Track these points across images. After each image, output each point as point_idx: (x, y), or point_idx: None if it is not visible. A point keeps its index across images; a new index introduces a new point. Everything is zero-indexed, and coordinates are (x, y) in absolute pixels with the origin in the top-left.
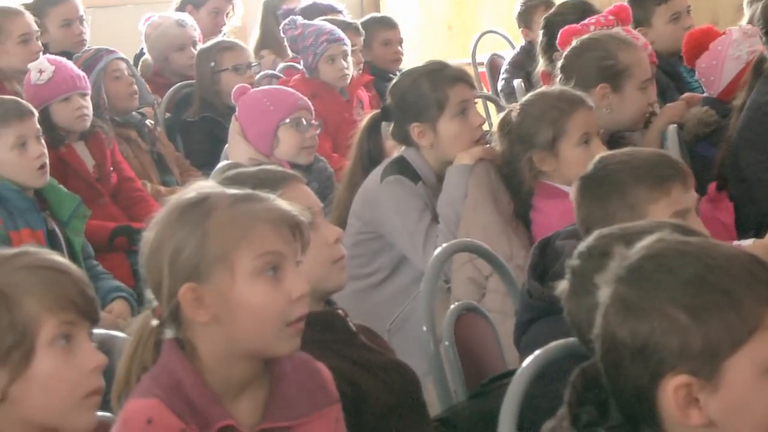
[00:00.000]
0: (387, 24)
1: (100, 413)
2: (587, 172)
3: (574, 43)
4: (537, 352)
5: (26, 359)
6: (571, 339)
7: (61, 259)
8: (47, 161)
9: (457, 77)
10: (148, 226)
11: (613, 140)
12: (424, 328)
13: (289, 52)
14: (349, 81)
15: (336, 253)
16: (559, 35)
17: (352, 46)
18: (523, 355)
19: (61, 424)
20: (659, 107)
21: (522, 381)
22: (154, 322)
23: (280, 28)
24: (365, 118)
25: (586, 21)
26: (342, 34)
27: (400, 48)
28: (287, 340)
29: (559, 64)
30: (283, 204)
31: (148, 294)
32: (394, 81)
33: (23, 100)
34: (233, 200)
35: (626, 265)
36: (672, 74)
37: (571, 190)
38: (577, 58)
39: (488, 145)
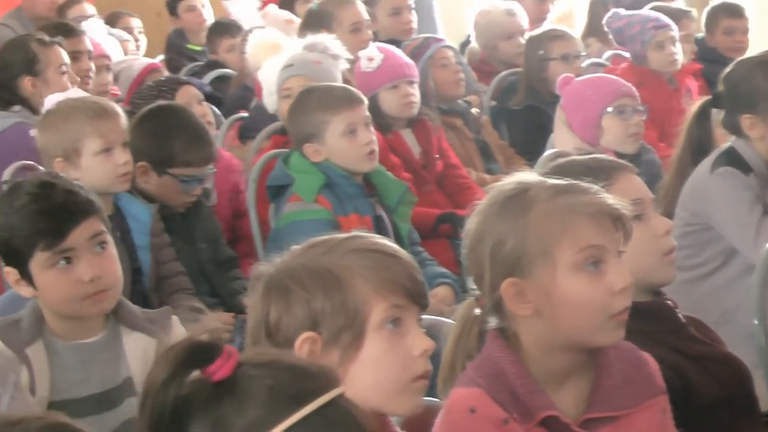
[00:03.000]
0: (733, 12)
1: (427, 398)
2: None
3: None
4: None
5: (356, 341)
6: None
7: (390, 243)
8: (376, 148)
9: None
10: (470, 216)
11: None
12: (755, 321)
13: (614, 43)
14: (678, 67)
15: (666, 245)
16: None
17: (682, 32)
18: None
19: (389, 407)
20: None
21: None
22: (477, 311)
23: (604, 21)
24: (695, 104)
25: None
26: (668, 21)
27: (744, 37)
28: (610, 331)
29: None
30: (605, 195)
31: (471, 282)
32: (727, 69)
33: (353, 87)
34: (553, 192)
35: None
36: None
37: None
38: None
39: None
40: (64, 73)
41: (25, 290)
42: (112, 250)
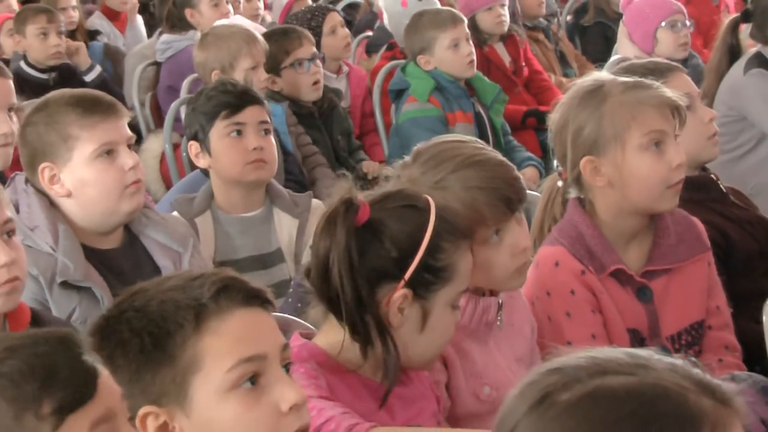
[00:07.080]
0: None
1: None
2: None
3: None
4: None
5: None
6: None
7: (497, 158)
8: (474, 58)
9: None
10: (554, 109)
11: None
12: None
13: None
14: None
15: (710, 130)
16: None
17: None
18: None
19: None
20: None
21: None
22: (560, 183)
23: None
24: (728, 18)
25: None
26: None
27: None
28: (668, 199)
29: None
30: (665, 90)
31: (554, 163)
32: None
33: (455, 9)
34: (624, 87)
35: None
36: None
37: None
38: None
39: None
40: (216, 5)
41: (202, 161)
42: (272, 138)
